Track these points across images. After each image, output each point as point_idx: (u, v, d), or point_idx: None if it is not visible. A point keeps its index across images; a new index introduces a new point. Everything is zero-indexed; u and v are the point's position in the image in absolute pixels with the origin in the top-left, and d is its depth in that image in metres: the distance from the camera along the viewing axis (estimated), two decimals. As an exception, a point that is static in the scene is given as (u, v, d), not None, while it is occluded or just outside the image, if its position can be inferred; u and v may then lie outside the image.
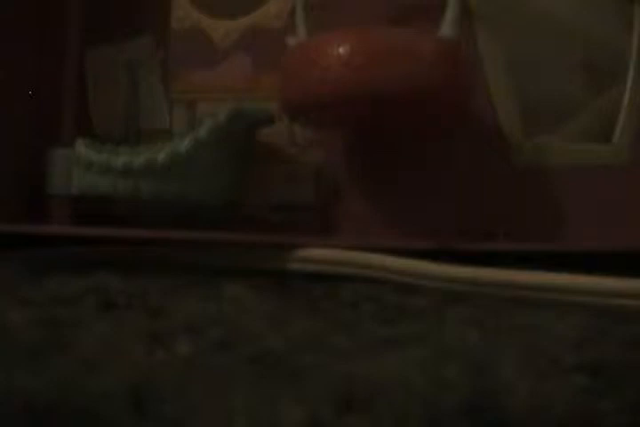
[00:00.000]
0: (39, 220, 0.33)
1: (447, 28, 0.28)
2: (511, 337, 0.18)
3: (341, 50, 0.26)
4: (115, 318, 0.19)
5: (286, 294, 0.23)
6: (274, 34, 0.33)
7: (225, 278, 0.24)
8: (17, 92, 0.33)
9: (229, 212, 0.32)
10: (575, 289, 0.22)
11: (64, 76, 0.35)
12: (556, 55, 0.30)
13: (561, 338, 0.18)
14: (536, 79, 0.30)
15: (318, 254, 0.26)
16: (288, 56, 0.28)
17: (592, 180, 0.29)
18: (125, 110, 0.34)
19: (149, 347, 0.16)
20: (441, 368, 0.15)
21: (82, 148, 0.30)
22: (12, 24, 0.33)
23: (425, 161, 0.31)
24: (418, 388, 0.14)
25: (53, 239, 0.29)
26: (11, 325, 0.18)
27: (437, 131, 0.30)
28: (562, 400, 0.13)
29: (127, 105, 0.34)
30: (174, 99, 0.34)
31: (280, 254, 0.26)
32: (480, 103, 0.29)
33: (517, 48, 0.30)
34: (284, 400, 0.13)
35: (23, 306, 0.20)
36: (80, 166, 0.30)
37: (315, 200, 0.32)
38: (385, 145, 0.31)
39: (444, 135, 0.30)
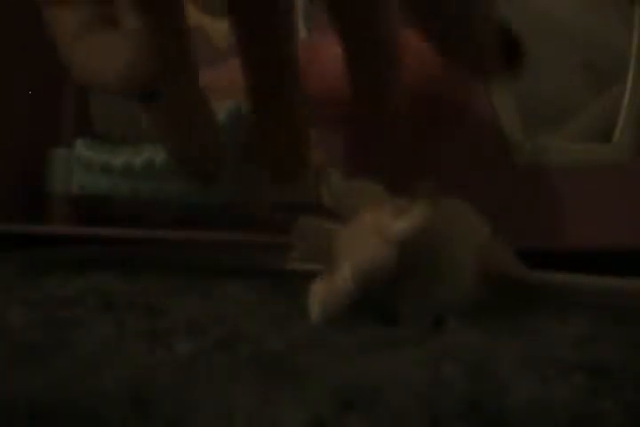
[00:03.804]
0: (39, 220, 0.33)
1: (447, 28, 0.28)
2: (511, 337, 0.18)
3: (341, 50, 0.26)
4: (115, 318, 0.19)
5: (286, 294, 0.23)
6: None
7: (225, 278, 0.24)
8: (17, 92, 0.33)
9: (229, 212, 0.32)
10: (575, 289, 0.22)
11: (64, 76, 0.35)
12: (556, 55, 0.30)
13: (561, 338, 0.18)
14: (536, 79, 0.30)
15: (318, 254, 0.26)
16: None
17: (592, 180, 0.29)
18: (125, 110, 0.34)
19: (149, 347, 0.16)
20: (441, 368, 0.15)
21: (82, 148, 0.30)
22: (11, 24, 0.33)
23: (424, 161, 0.31)
24: (418, 388, 0.14)
25: (53, 239, 0.29)
26: (11, 325, 0.18)
27: (437, 131, 0.30)
28: (562, 400, 0.13)
29: (127, 105, 0.34)
30: (174, 99, 0.34)
31: (280, 254, 0.26)
32: (480, 103, 0.29)
33: (517, 48, 0.30)
34: (284, 400, 0.13)
35: (23, 306, 0.20)
36: (80, 166, 0.30)
37: (315, 200, 0.32)
38: (385, 145, 0.31)
39: (444, 135, 0.30)
